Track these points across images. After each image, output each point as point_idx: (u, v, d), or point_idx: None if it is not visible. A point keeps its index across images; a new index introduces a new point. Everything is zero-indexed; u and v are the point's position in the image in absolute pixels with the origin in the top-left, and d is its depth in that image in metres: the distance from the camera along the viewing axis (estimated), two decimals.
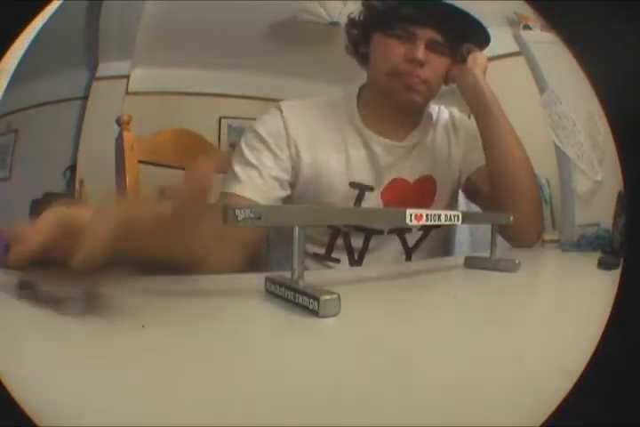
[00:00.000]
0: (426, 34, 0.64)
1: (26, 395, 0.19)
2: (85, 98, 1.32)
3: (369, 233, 0.72)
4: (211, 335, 0.27)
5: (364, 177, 0.70)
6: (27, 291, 0.32)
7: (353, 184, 0.69)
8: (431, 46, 0.65)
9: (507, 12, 0.87)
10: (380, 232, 0.72)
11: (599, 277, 0.50)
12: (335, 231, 0.71)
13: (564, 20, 0.40)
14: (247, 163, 0.67)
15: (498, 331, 0.30)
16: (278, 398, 0.19)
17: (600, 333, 0.27)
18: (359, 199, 0.70)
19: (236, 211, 0.29)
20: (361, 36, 0.70)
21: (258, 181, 0.66)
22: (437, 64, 0.66)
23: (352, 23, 0.70)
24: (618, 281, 0.34)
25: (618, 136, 0.40)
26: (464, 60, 0.69)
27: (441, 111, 0.78)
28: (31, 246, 0.31)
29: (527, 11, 0.81)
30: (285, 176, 0.68)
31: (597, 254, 0.57)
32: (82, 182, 1.28)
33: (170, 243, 0.33)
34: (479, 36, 0.68)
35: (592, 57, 0.38)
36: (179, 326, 0.29)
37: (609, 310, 0.30)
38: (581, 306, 0.37)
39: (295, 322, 0.29)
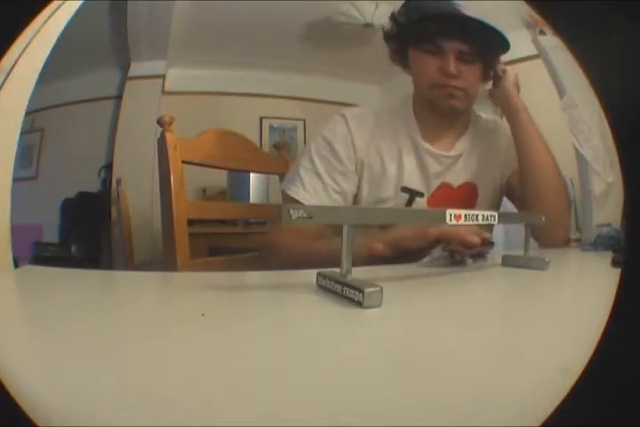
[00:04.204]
0: (454, 46, 0.71)
1: (26, 395, 0.19)
2: (118, 97, 1.31)
3: None
4: (259, 325, 0.29)
5: (415, 184, 0.75)
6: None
7: (405, 189, 0.75)
8: (460, 57, 0.71)
9: (523, 15, 0.89)
10: None
11: (604, 276, 0.50)
12: None
13: (563, 20, 0.40)
14: (315, 172, 0.72)
15: (497, 330, 0.30)
16: (313, 381, 0.20)
17: (600, 332, 0.27)
18: (409, 204, 0.74)
19: (290, 211, 0.32)
20: (398, 49, 0.77)
21: (321, 195, 0.72)
22: (470, 72, 0.73)
23: (386, 36, 0.76)
24: (617, 281, 0.34)
25: (618, 136, 0.40)
26: (499, 78, 0.78)
27: (484, 120, 0.83)
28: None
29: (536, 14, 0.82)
30: (353, 188, 0.74)
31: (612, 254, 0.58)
32: (119, 182, 1.28)
33: None
34: (500, 42, 0.73)
35: (592, 57, 0.38)
36: (236, 317, 0.31)
37: (609, 309, 0.30)
38: (582, 306, 0.37)
39: (341, 312, 0.31)
